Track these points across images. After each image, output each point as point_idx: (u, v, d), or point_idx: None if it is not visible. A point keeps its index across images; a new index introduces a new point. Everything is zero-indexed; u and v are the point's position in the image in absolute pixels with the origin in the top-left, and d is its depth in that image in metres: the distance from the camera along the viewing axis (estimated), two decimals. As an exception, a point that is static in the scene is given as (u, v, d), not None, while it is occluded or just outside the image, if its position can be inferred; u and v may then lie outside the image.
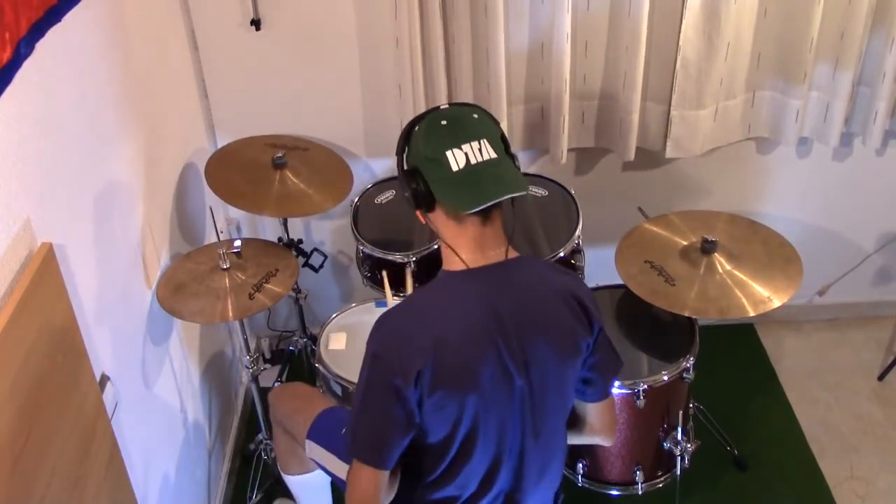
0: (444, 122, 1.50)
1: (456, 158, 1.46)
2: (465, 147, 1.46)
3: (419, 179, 1.49)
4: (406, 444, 1.53)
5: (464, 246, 1.53)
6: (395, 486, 1.63)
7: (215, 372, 2.66)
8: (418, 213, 1.55)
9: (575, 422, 1.72)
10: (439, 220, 1.52)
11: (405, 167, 1.53)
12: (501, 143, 1.51)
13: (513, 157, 1.54)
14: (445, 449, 1.57)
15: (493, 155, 1.47)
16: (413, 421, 1.51)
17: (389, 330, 1.52)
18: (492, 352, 1.51)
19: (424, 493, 1.66)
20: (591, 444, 1.80)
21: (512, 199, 1.50)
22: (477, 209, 1.46)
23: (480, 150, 1.46)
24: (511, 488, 1.66)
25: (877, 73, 2.57)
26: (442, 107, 1.54)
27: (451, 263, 1.55)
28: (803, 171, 2.89)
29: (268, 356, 3.10)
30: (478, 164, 1.46)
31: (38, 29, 1.47)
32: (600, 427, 1.72)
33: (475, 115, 1.52)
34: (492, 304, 1.52)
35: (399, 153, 1.55)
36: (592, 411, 1.69)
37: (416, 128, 1.52)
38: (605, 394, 1.68)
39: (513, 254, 1.57)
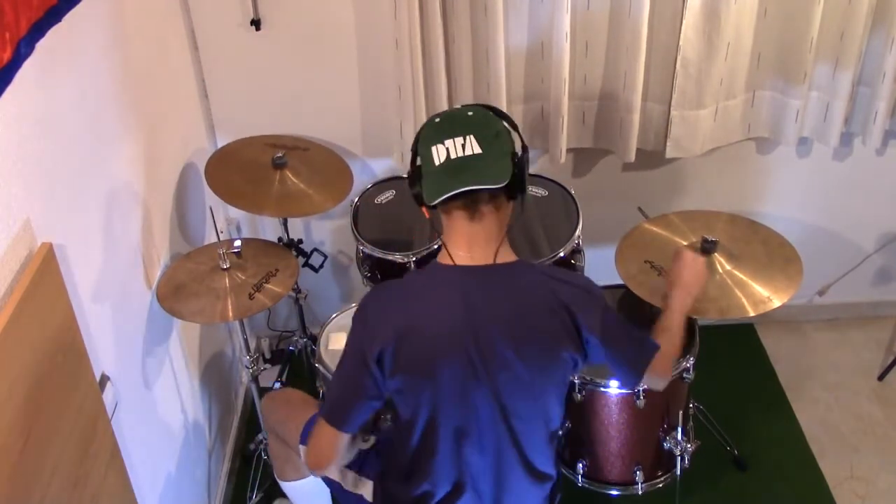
0: (437, 120, 1.55)
1: (438, 153, 1.50)
2: (448, 142, 1.49)
3: (415, 177, 1.54)
4: (370, 411, 1.61)
5: (453, 242, 1.57)
6: (353, 452, 1.74)
7: (215, 372, 2.66)
8: (424, 208, 1.59)
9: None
10: (435, 215, 1.57)
11: (413, 164, 1.58)
12: (496, 139, 1.51)
13: (514, 155, 1.53)
14: (409, 433, 1.63)
15: (477, 150, 1.48)
16: (379, 390, 1.58)
17: (372, 303, 1.61)
18: (458, 351, 1.54)
19: (402, 489, 1.70)
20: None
21: (522, 204, 1.54)
22: (444, 198, 1.48)
23: (464, 145, 1.48)
24: (493, 490, 1.67)
25: (877, 73, 2.57)
26: (453, 108, 1.60)
27: (443, 257, 1.59)
28: (803, 171, 2.89)
29: (268, 356, 3.10)
30: (456, 158, 1.49)
31: (39, 29, 1.47)
32: (652, 382, 1.77)
33: (469, 113, 1.55)
34: (468, 306, 1.55)
35: (413, 152, 1.61)
36: (647, 379, 1.73)
37: (423, 128, 1.58)
38: (634, 382, 1.69)
39: (505, 258, 1.57)
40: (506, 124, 1.58)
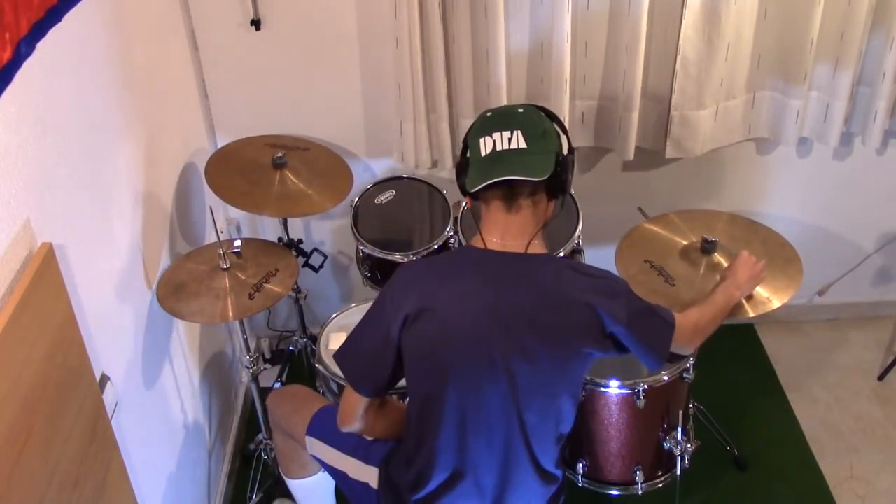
0: (489, 114, 1.60)
1: (486, 144, 1.55)
2: (496, 135, 1.54)
3: (462, 165, 1.60)
4: (381, 379, 1.65)
5: (488, 229, 1.61)
6: (385, 425, 1.78)
7: (215, 372, 2.66)
8: (468, 198, 1.63)
9: None
10: (475, 204, 1.63)
11: (463, 156, 1.63)
12: (542, 137, 1.56)
13: (559, 155, 1.56)
14: (414, 408, 1.67)
15: (522, 145, 1.53)
16: (387, 361, 1.62)
17: (403, 275, 1.66)
18: (477, 336, 1.56)
19: (403, 475, 1.73)
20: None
21: (562, 204, 1.61)
22: (483, 186, 1.52)
23: (511, 139, 1.53)
24: (496, 484, 1.67)
25: (877, 73, 2.57)
26: (510, 104, 1.65)
27: (476, 240, 1.63)
28: (803, 172, 2.89)
29: (268, 356, 3.10)
30: (502, 150, 1.53)
31: (39, 29, 1.47)
32: (677, 349, 1.78)
33: (521, 110, 1.60)
34: (495, 292, 1.57)
35: (463, 143, 1.65)
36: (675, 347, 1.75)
37: (475, 121, 1.63)
38: (657, 364, 1.71)
39: (536, 249, 1.61)
40: (556, 126, 1.63)
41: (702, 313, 1.85)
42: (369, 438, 1.85)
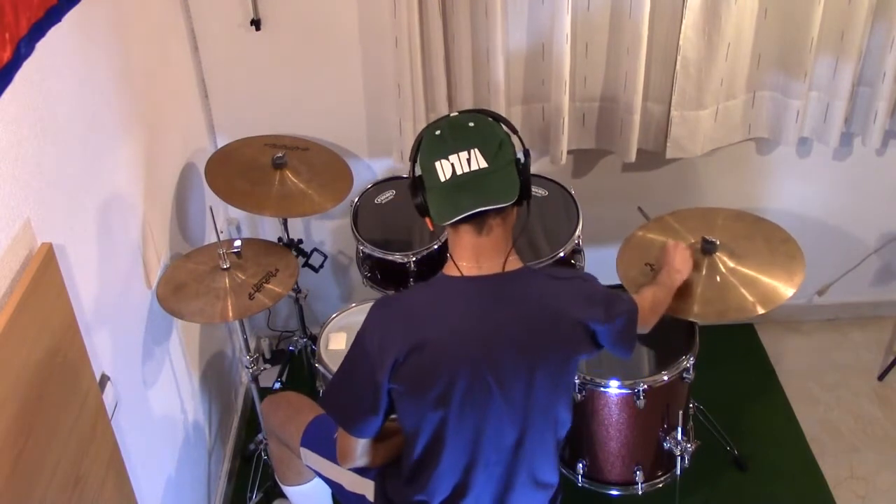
0: (437, 133, 1.51)
1: (443, 168, 1.47)
2: (453, 157, 1.47)
3: (419, 189, 1.52)
4: (375, 424, 1.60)
5: (461, 255, 1.54)
6: (386, 452, 1.72)
7: (215, 372, 2.66)
8: (428, 221, 1.57)
9: None
10: (439, 227, 1.56)
11: (414, 175, 1.56)
12: (500, 150, 1.49)
13: (518, 162, 1.52)
14: (412, 444, 1.61)
15: (483, 164, 1.47)
16: (377, 407, 1.56)
17: (381, 316, 1.57)
18: (470, 365, 1.52)
19: (402, 493, 1.70)
20: None
21: (528, 205, 1.53)
22: (455, 220, 1.47)
23: (469, 159, 1.46)
24: (496, 497, 1.66)
25: (877, 73, 2.57)
26: (451, 115, 1.55)
27: (450, 269, 1.57)
28: (803, 172, 2.89)
29: (268, 356, 3.10)
30: (462, 174, 1.46)
31: (39, 29, 1.47)
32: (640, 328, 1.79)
33: (471, 124, 1.51)
34: (481, 318, 1.53)
35: (411, 161, 1.57)
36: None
37: (423, 138, 1.54)
38: (633, 346, 1.73)
39: (513, 265, 1.57)
40: (505, 129, 1.56)
41: (654, 293, 1.92)
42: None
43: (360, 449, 1.67)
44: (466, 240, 1.52)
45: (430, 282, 1.60)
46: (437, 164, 1.48)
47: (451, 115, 1.55)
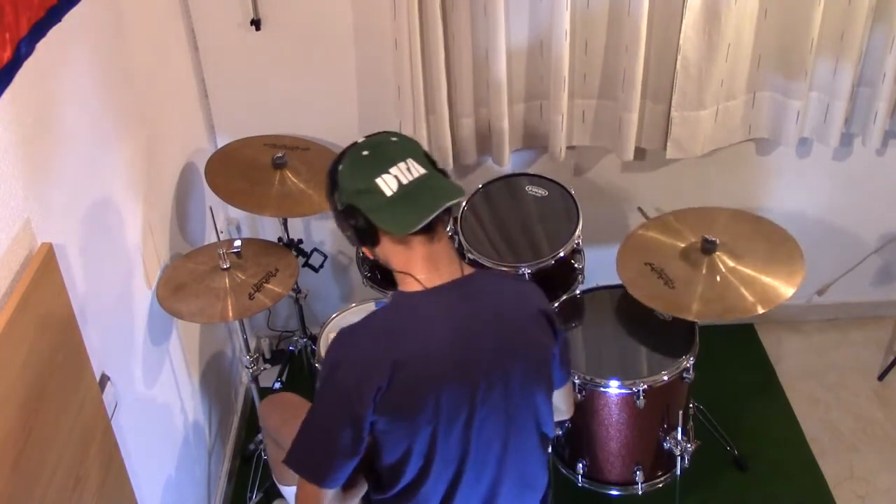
0: (365, 153, 1.49)
1: (387, 183, 1.45)
2: (394, 170, 1.46)
3: (357, 215, 1.47)
4: (351, 467, 1.52)
5: (416, 268, 1.51)
6: (352, 499, 1.60)
7: (215, 372, 2.66)
8: (365, 250, 1.54)
9: None
10: (386, 249, 1.51)
11: (339, 208, 1.50)
12: (426, 159, 1.51)
13: (442, 172, 1.53)
14: (400, 470, 1.55)
15: (422, 171, 1.47)
16: (358, 446, 1.49)
17: (349, 347, 1.50)
18: (454, 376, 1.49)
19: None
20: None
21: (450, 211, 1.50)
22: (422, 225, 1.44)
23: (409, 169, 1.46)
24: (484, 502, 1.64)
25: (877, 74, 2.57)
26: (359, 140, 1.53)
27: (407, 285, 1.52)
28: (803, 172, 2.89)
29: (268, 356, 3.10)
30: (409, 182, 1.46)
31: (39, 29, 1.47)
32: (566, 407, 1.79)
33: (394, 139, 1.52)
34: (456, 327, 1.51)
35: (329, 196, 1.53)
36: (558, 395, 1.71)
37: (340, 167, 1.51)
38: (568, 377, 1.74)
39: (468, 269, 1.56)
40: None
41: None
42: None
43: (327, 499, 1.55)
44: (420, 251, 1.49)
45: (390, 303, 1.55)
46: (379, 180, 1.45)
47: (360, 140, 1.53)
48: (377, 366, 1.45)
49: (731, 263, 2.16)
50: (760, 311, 2.07)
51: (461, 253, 2.35)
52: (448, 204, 1.46)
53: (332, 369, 1.50)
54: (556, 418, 1.74)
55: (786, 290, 2.10)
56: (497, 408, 1.55)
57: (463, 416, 1.52)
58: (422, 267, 1.50)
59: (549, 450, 1.84)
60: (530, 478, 1.68)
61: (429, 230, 1.48)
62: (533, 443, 1.65)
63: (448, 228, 1.56)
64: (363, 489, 1.64)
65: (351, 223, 1.48)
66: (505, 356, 1.53)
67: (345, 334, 1.52)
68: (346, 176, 1.49)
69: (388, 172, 1.45)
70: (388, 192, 1.45)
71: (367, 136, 1.55)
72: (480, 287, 1.56)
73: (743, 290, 2.12)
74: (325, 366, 1.51)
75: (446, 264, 1.52)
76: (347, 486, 1.58)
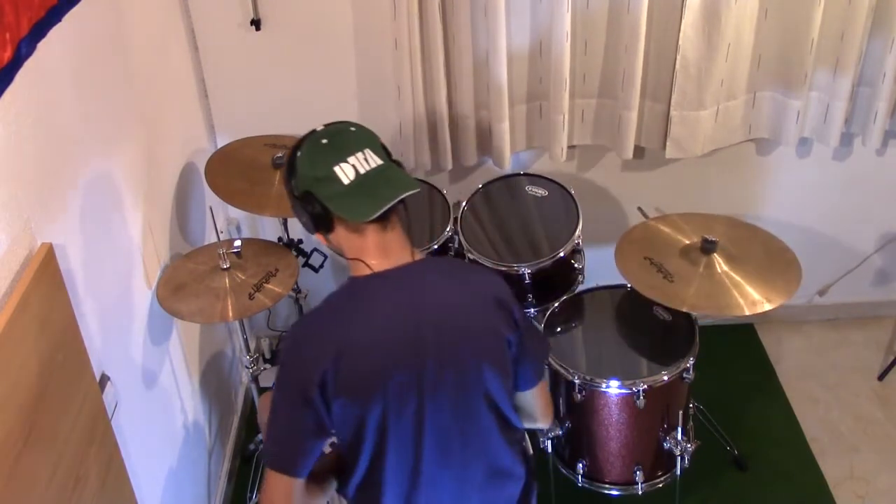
0: (324, 141, 1.52)
1: (345, 171, 1.48)
2: (351, 159, 1.48)
3: (313, 201, 1.49)
4: (318, 450, 1.54)
5: (368, 255, 1.53)
6: (318, 495, 1.60)
7: (215, 372, 2.66)
8: (320, 237, 1.56)
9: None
10: (340, 236, 1.53)
11: (296, 194, 1.53)
12: (383, 150, 1.54)
13: (397, 163, 1.56)
14: (355, 456, 1.55)
15: (379, 162, 1.50)
16: (323, 427, 1.51)
17: (297, 335, 1.54)
18: (404, 359, 1.50)
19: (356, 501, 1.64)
20: (533, 428, 1.79)
21: (404, 202, 1.52)
22: (380, 212, 1.47)
23: (366, 159, 1.49)
24: (452, 496, 1.62)
25: (877, 74, 2.57)
26: (318, 129, 1.55)
27: (359, 269, 1.55)
28: (803, 172, 2.89)
29: (268, 356, 3.09)
30: (367, 172, 1.48)
31: (39, 29, 1.47)
32: (539, 413, 1.71)
33: (353, 129, 1.54)
34: (407, 311, 1.52)
35: (287, 182, 1.55)
36: (526, 398, 1.68)
37: (299, 154, 1.53)
38: (537, 380, 1.67)
39: (419, 255, 1.58)
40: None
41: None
42: None
43: (298, 490, 1.54)
44: (372, 238, 1.52)
45: (340, 288, 1.57)
46: (337, 168, 1.48)
47: (319, 128, 1.55)
48: (322, 350, 1.48)
49: (726, 267, 2.17)
50: (749, 312, 2.07)
51: (461, 253, 2.36)
52: (404, 195, 1.49)
53: (284, 354, 1.53)
54: (528, 425, 1.71)
55: (779, 297, 2.11)
56: (448, 391, 1.54)
57: (412, 397, 1.51)
58: (373, 254, 1.53)
59: (525, 437, 1.79)
60: (499, 464, 1.65)
61: (383, 219, 1.51)
62: (492, 427, 1.61)
63: (402, 218, 1.58)
64: (331, 488, 1.65)
65: (308, 210, 1.51)
66: (453, 339, 1.53)
67: (298, 321, 1.57)
68: (304, 163, 1.52)
69: (346, 161, 1.48)
70: (346, 181, 1.47)
71: (325, 125, 1.57)
72: (429, 271, 1.58)
73: (735, 294, 2.12)
74: (280, 358, 1.55)
75: (397, 251, 1.55)
76: (314, 484, 1.59)
